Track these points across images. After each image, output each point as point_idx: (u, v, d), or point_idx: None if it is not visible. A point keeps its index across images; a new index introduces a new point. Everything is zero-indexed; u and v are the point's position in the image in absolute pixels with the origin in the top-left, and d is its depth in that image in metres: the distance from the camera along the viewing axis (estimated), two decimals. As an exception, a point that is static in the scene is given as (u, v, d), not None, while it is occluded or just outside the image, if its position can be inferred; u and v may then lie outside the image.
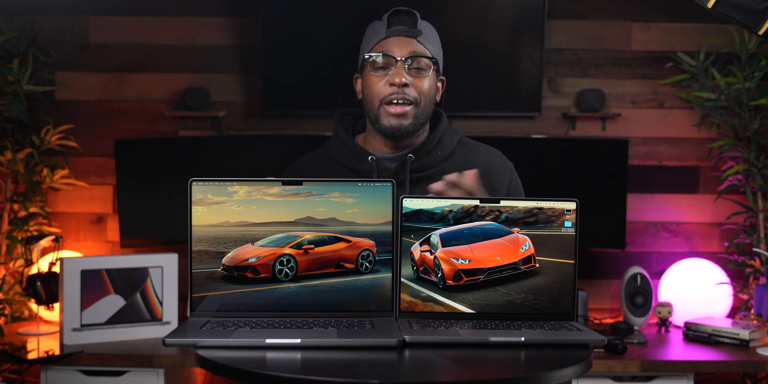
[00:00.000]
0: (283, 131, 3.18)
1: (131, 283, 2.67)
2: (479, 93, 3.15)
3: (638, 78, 3.22)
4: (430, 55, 1.77)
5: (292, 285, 1.49)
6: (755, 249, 2.99)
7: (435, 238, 1.51)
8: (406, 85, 1.74)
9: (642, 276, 2.99)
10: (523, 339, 1.37)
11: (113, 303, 2.65)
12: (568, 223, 1.53)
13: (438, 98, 1.86)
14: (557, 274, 1.52)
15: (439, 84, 1.86)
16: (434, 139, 1.84)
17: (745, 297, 3.05)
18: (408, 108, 1.75)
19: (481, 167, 1.83)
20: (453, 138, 1.87)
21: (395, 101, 1.75)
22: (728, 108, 3.07)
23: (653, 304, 3.00)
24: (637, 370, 2.61)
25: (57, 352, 2.55)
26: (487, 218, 1.53)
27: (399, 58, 1.74)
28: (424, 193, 1.76)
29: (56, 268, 2.75)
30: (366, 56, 1.78)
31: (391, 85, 1.74)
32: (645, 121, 3.23)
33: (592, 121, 3.22)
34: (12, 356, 2.56)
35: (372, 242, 1.50)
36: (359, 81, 1.85)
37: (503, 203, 1.53)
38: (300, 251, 1.50)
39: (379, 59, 1.76)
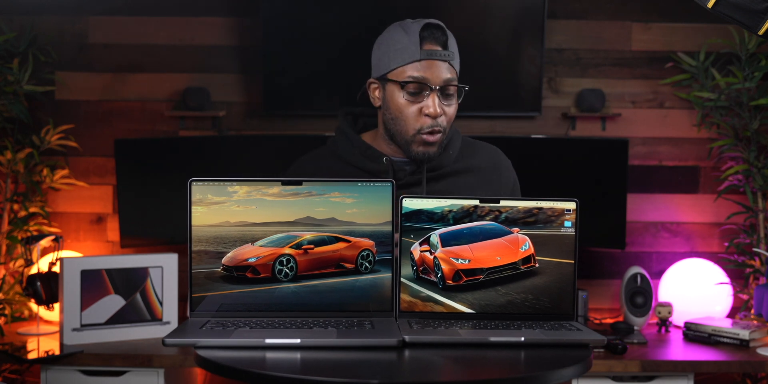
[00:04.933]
0: (283, 131, 3.18)
1: (131, 283, 2.67)
2: (479, 93, 3.13)
3: (638, 78, 3.22)
4: (458, 82, 1.74)
5: (291, 285, 1.49)
6: (755, 249, 2.99)
7: (435, 238, 1.51)
8: (440, 115, 1.72)
9: (642, 276, 2.99)
10: (522, 339, 1.38)
11: (113, 303, 2.65)
12: (567, 223, 1.53)
13: None
14: (557, 274, 1.52)
15: None
16: (445, 140, 1.83)
17: (745, 297, 3.04)
18: (439, 136, 1.74)
19: (487, 164, 1.85)
20: (458, 138, 1.87)
21: (430, 132, 1.73)
22: (728, 108, 3.07)
23: (653, 304, 3.00)
24: (637, 370, 2.61)
25: (57, 352, 2.55)
26: (487, 218, 1.53)
27: (434, 87, 1.71)
28: (439, 192, 1.77)
29: (56, 268, 2.75)
30: (400, 82, 1.71)
31: (426, 115, 1.72)
32: (645, 121, 3.23)
33: (592, 121, 3.22)
34: (12, 356, 2.56)
35: (372, 242, 1.51)
36: (374, 87, 1.80)
37: (503, 203, 1.53)
38: (300, 251, 1.50)
39: (414, 85, 1.71)
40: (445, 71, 1.71)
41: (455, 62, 1.75)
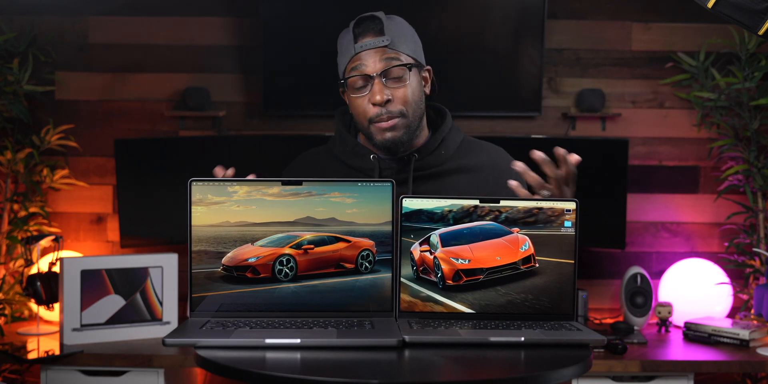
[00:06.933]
0: (283, 131, 3.18)
1: (131, 283, 2.67)
2: (479, 93, 3.14)
3: (638, 78, 3.22)
4: (404, 62, 1.72)
5: (291, 285, 1.49)
6: (755, 249, 2.99)
7: (435, 238, 1.51)
8: (388, 100, 1.71)
9: (642, 276, 2.99)
10: (522, 339, 1.37)
11: (113, 303, 2.65)
12: (567, 223, 1.53)
13: (428, 90, 1.80)
14: (557, 274, 1.52)
15: (426, 74, 1.80)
16: (438, 139, 1.81)
17: (745, 297, 3.05)
18: (396, 120, 1.72)
19: (485, 164, 1.83)
20: (457, 138, 1.85)
21: (382, 120, 1.72)
22: (728, 108, 3.07)
23: (653, 304, 3.00)
24: (637, 370, 2.60)
25: (57, 352, 2.55)
26: (487, 218, 1.53)
27: (373, 75, 1.70)
28: (426, 192, 1.76)
29: (56, 268, 2.75)
30: (341, 80, 1.75)
31: (374, 104, 1.71)
32: (645, 121, 3.23)
33: (592, 121, 3.22)
34: (12, 356, 2.56)
35: (372, 242, 1.50)
36: (344, 93, 1.82)
37: (503, 203, 1.53)
38: (300, 251, 1.50)
39: (356, 79, 1.72)
40: (383, 56, 1.70)
41: (401, 45, 1.72)
